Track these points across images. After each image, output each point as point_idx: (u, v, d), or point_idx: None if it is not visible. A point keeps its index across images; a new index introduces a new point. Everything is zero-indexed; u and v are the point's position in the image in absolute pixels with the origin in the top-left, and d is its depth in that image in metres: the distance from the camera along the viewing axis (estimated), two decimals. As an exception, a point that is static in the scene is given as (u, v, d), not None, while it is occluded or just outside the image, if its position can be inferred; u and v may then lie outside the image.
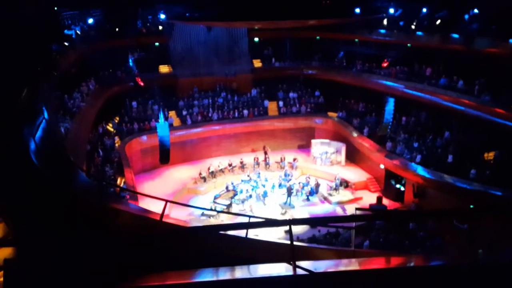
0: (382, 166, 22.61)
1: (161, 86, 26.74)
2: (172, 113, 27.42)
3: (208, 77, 29.09)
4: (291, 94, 30.09)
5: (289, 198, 21.25)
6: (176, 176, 24.42)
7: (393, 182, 22.20)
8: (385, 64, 25.59)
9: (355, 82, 26.98)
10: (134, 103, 26.76)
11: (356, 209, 6.95)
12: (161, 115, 18.77)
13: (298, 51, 30.60)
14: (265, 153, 26.55)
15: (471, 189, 16.90)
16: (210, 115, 27.58)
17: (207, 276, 3.38)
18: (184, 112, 27.30)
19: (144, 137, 24.86)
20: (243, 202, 21.09)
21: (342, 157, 25.69)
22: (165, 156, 18.69)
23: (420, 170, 19.49)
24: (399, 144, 21.98)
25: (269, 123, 28.53)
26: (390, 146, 22.28)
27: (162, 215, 5.97)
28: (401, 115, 23.96)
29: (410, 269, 3.23)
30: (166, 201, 6.46)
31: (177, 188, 22.72)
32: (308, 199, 21.98)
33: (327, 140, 26.62)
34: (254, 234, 6.99)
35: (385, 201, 21.05)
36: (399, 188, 21.70)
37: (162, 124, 18.28)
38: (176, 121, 27.02)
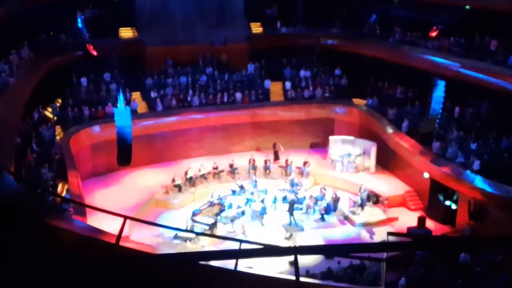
0: (426, 175, 22.67)
1: (122, 57, 26.68)
2: (137, 95, 27.42)
3: (188, 45, 29.06)
4: (302, 73, 30.16)
5: (292, 217, 21.29)
6: (141, 183, 24.45)
7: (441, 198, 22.26)
8: (434, 34, 25.64)
9: (392, 58, 27.03)
10: (83, 80, 26.74)
11: (389, 233, 6.98)
12: (121, 98, 18.72)
13: (313, 12, 30.63)
14: (276, 153, 26.59)
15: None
16: (189, 99, 27.60)
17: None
18: (153, 94, 27.30)
19: (97, 128, 24.85)
20: (232, 221, 21.13)
21: (371, 161, 25.78)
22: (125, 154, 18.64)
23: (479, 182, 19.58)
24: (450, 144, 22.06)
25: (271, 112, 28.65)
26: (438, 147, 22.36)
27: (119, 236, 5.95)
28: (454, 105, 24.04)
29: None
30: (125, 217, 6.44)
31: (141, 199, 22.74)
32: (322, 219, 22.06)
33: (351, 138, 26.68)
34: (247, 265, 6.99)
35: (430, 223, 21.16)
36: (449, 206, 21.78)
37: (122, 110, 18.24)
38: (141, 107, 27.05)
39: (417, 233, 20.08)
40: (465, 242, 5.63)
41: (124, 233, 6.02)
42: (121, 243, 5.90)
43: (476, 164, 20.28)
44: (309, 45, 30.73)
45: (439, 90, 21.22)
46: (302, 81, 29.82)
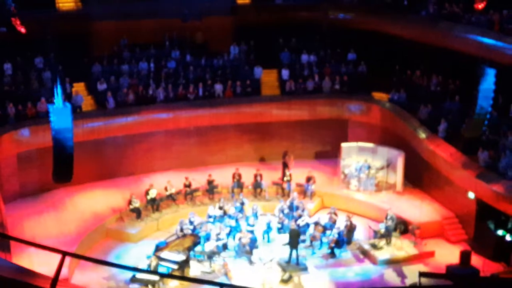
0: (471, 195, 22.75)
1: (60, 36, 26.56)
2: (80, 87, 27.36)
3: (149, 20, 29.12)
4: (304, 57, 30.28)
5: (295, 251, 21.32)
6: (85, 206, 24.34)
7: (491, 226, 22.33)
8: (480, 6, 25.85)
9: (424, 38, 27.23)
10: (7, 67, 26.63)
11: (422, 274, 7.00)
12: (59, 91, 18.60)
13: (319, -24, 30.98)
14: (285, 165, 26.58)
15: None
16: (151, 92, 27.58)
17: None
18: (103, 86, 27.25)
19: (25, 132, 24.77)
20: (210, 257, 21.08)
21: (397, 176, 25.88)
22: (64, 167, 18.52)
23: (542, 204, 19.73)
24: (503, 154, 22.21)
25: (263, 110, 28.76)
26: (487, 157, 22.50)
27: (55, 280, 5.90)
28: (508, 101, 24.21)
29: None
30: (64, 253, 6.38)
31: (86, 229, 22.63)
32: (332, 254, 22.07)
33: (371, 145, 26.78)
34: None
35: (476, 260, 21.24)
36: (503, 237, 21.87)
37: (59, 107, 18.15)
38: (87, 103, 27.00)
39: (460, 273, 20.13)
40: (524, 285, 5.66)
41: (62, 275, 5.96)
42: (59, 289, 5.84)
43: (538, 181, 20.44)
44: (313, 20, 30.87)
45: (488, 82, 21.35)
46: (305, 68, 29.91)
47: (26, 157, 24.79)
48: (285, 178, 26.00)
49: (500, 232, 22.00)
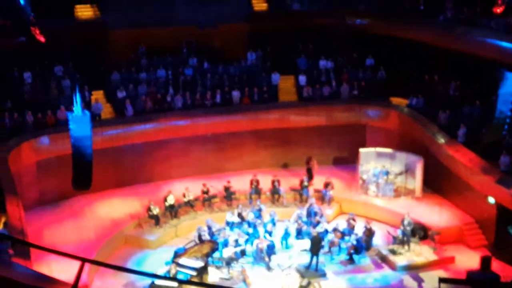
0: (491, 201, 22.55)
1: (79, 44, 26.79)
2: (99, 95, 27.55)
3: (166, 28, 29.29)
4: (322, 63, 30.24)
5: (315, 257, 21.27)
6: (104, 213, 24.46)
7: (511, 231, 22.14)
8: (499, 10, 25.69)
9: (442, 43, 27.12)
10: (26, 75, 26.89)
11: (441, 280, 6.95)
12: (78, 99, 18.72)
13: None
14: (309, 171, 26.61)
15: None
16: (169, 99, 27.68)
17: None
18: (121, 94, 27.42)
19: (45, 140, 24.94)
20: (229, 264, 21.08)
21: (416, 182, 25.74)
22: (83, 175, 18.63)
23: None
24: (523, 158, 22.04)
25: (280, 116, 28.76)
26: (508, 162, 22.33)
27: (75, 286, 5.94)
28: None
29: None
30: (84, 260, 6.42)
31: (105, 236, 22.73)
32: (351, 260, 21.98)
33: (389, 150, 26.65)
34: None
35: (497, 266, 21.06)
36: (524, 242, 21.69)
37: (79, 115, 18.27)
38: (106, 110, 27.18)
39: (480, 279, 19.96)
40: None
41: (82, 282, 6.02)
42: (78, 296, 5.87)
43: (559, 185, 20.24)
44: (331, 26, 30.84)
45: (508, 86, 21.25)
46: (322, 74, 29.87)
47: (46, 165, 24.96)
48: (313, 181, 26.16)
49: (521, 238, 21.85)
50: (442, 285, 6.92)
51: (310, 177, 26.61)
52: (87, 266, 6.53)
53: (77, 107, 17.51)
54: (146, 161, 27.34)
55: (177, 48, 29.71)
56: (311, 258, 21.23)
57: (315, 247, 21.23)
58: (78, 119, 17.32)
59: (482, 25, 26.25)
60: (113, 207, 24.86)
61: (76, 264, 6.25)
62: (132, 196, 25.79)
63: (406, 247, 22.29)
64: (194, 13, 29.20)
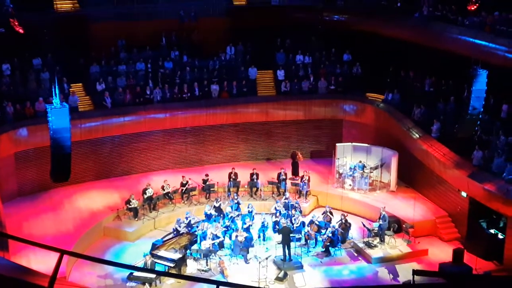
0: (464, 194, 22.81)
1: (58, 37, 26.53)
2: (78, 87, 27.32)
3: (146, 21, 29.15)
4: (300, 58, 30.29)
5: (287, 249, 21.34)
6: (83, 205, 24.34)
7: (483, 224, 22.40)
8: (473, 7, 25.91)
9: (418, 39, 27.28)
10: (5, 67, 26.55)
11: (415, 272, 6.99)
12: (57, 91, 18.57)
13: (314, -22, 31.00)
14: (295, 165, 26.67)
15: None
16: (148, 92, 27.57)
17: None
18: (100, 86, 27.23)
19: (23, 131, 24.72)
20: (207, 256, 21.09)
21: (391, 176, 25.95)
22: (61, 167, 18.49)
23: (533, 203, 19.78)
24: (496, 154, 22.28)
25: (259, 110, 28.82)
26: (480, 157, 22.57)
27: (53, 278, 5.90)
28: (500, 102, 24.27)
29: None
30: (62, 252, 6.38)
31: (83, 227, 22.61)
32: (327, 253, 22.11)
33: (365, 145, 26.81)
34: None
35: (469, 258, 21.29)
36: (495, 235, 21.95)
37: (57, 107, 18.12)
38: (85, 103, 26.95)
39: (453, 272, 20.18)
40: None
41: (60, 273, 5.96)
42: (56, 287, 5.84)
43: (530, 180, 20.49)
44: (309, 21, 30.88)
45: (481, 82, 21.41)
46: (300, 69, 29.91)
47: (24, 156, 24.81)
48: (298, 177, 26.30)
49: (492, 231, 22.09)
50: (416, 277, 6.96)
51: (296, 172, 26.66)
52: (65, 257, 6.50)
53: (56, 99, 17.38)
54: (125, 154, 27.26)
55: (157, 41, 29.55)
56: (283, 249, 21.33)
57: (285, 238, 21.34)
58: (56, 111, 17.19)
59: (457, 23, 26.46)
60: (92, 199, 24.75)
61: (55, 255, 6.22)
62: (110, 188, 25.70)
63: (380, 240, 22.46)
64: (174, 7, 29.07)
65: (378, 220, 22.66)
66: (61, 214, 23.59)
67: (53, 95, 17.74)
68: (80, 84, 27.47)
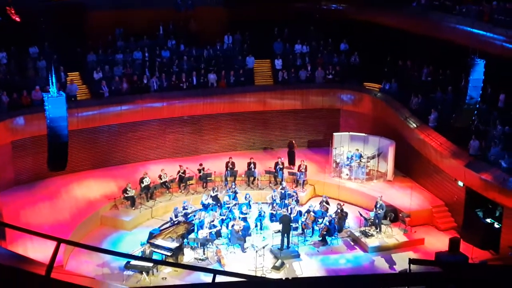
0: (460, 184, 22.89)
1: (55, 25, 26.41)
2: (75, 76, 27.27)
3: (144, 10, 29.07)
4: (297, 47, 30.26)
5: (285, 238, 21.41)
6: (80, 194, 24.36)
7: (479, 214, 22.49)
8: (470, -3, 25.89)
9: (415, 28, 27.24)
10: (1, 55, 26.47)
11: (411, 261, 7.02)
12: (53, 79, 18.51)
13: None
14: (291, 154, 26.72)
15: None
16: (145, 81, 27.52)
17: None
18: (97, 75, 27.18)
19: (20, 120, 24.69)
20: (204, 245, 21.14)
21: (388, 165, 26.00)
22: (58, 156, 18.46)
23: (529, 193, 19.84)
24: (493, 143, 22.32)
25: (256, 99, 28.81)
26: (477, 147, 22.62)
27: (50, 266, 5.91)
28: (497, 91, 24.29)
29: None
30: (59, 240, 6.39)
31: (80, 216, 22.64)
32: (324, 242, 22.18)
33: (362, 134, 26.86)
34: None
35: (465, 247, 21.39)
36: (491, 225, 22.05)
37: (54, 96, 18.07)
38: (82, 91, 26.90)
39: (449, 261, 20.27)
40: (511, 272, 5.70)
41: (57, 262, 5.97)
42: (54, 275, 5.85)
43: (526, 170, 20.54)
44: (306, 10, 30.84)
45: (478, 72, 21.40)
46: (297, 58, 29.88)
47: (21, 145, 24.78)
48: (294, 166, 26.35)
49: (488, 220, 22.16)
50: (412, 266, 6.99)
51: (292, 162, 26.72)
52: (62, 246, 6.51)
53: (53, 88, 17.34)
54: (122, 143, 27.25)
55: (154, 30, 29.49)
56: (282, 237, 21.40)
57: (285, 226, 21.40)
58: (53, 100, 17.14)
59: (455, 12, 26.41)
60: (89, 188, 24.77)
61: (52, 244, 6.23)
62: (107, 177, 25.70)
63: (377, 229, 22.53)
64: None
65: (374, 209, 22.72)
66: (58, 203, 23.59)
67: (50, 83, 17.69)
68: (77, 72, 27.41)
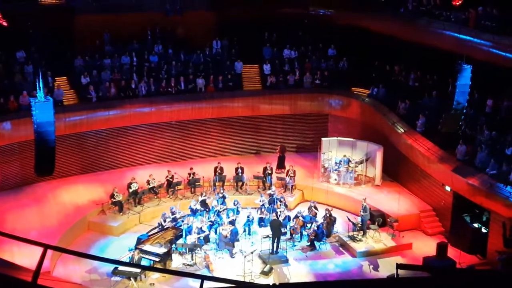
0: (448, 189, 23.00)
1: (42, 29, 26.34)
2: (63, 81, 27.14)
3: (132, 14, 29.02)
4: (286, 52, 30.29)
5: (275, 243, 21.41)
6: (67, 199, 24.23)
7: (467, 219, 22.59)
8: (458, 2, 26.03)
9: (403, 34, 27.34)
10: (-12, 60, 26.36)
11: (399, 266, 7.03)
12: (41, 84, 18.44)
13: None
14: (281, 159, 26.69)
15: None
16: (133, 86, 27.45)
17: None
18: (85, 80, 27.08)
19: (7, 125, 24.52)
20: (192, 250, 21.08)
21: (376, 170, 26.08)
22: (45, 161, 18.39)
23: (516, 197, 19.95)
24: (479, 148, 22.44)
25: (244, 104, 28.81)
26: (464, 152, 22.73)
27: (37, 272, 5.87)
28: (484, 97, 24.44)
29: None
30: (46, 246, 6.35)
31: (68, 222, 22.51)
32: (312, 247, 22.18)
33: (350, 139, 26.92)
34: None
35: (452, 252, 21.47)
36: (478, 229, 22.15)
37: (41, 101, 18.00)
38: (69, 96, 26.79)
39: (436, 265, 20.34)
40: (499, 277, 5.72)
41: (44, 268, 5.93)
42: (40, 281, 5.81)
43: (513, 174, 20.66)
44: (295, 15, 30.88)
45: (465, 77, 21.55)
46: (286, 63, 29.91)
47: (8, 150, 24.61)
48: (283, 170, 26.35)
49: (475, 225, 22.25)
50: (400, 270, 7.00)
51: (282, 166, 26.73)
52: (49, 252, 6.47)
53: (40, 93, 17.27)
54: (110, 148, 27.16)
55: (143, 35, 29.43)
56: (272, 242, 21.38)
57: (275, 231, 21.40)
58: (41, 105, 17.08)
59: (442, 18, 26.56)
60: (77, 193, 24.64)
61: (39, 250, 6.18)
62: (95, 182, 25.59)
63: (363, 232, 22.55)
64: (160, 0, 28.97)
65: (361, 213, 22.75)
66: (45, 208, 23.45)
67: (37, 88, 17.62)
68: (65, 77, 27.30)
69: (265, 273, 20.31)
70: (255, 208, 23.82)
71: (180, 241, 21.37)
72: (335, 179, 26.03)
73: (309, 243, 22.21)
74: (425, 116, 25.12)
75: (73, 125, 25.76)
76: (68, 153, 25.70)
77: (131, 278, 19.22)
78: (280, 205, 23.45)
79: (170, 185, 24.95)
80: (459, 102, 21.63)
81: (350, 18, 29.66)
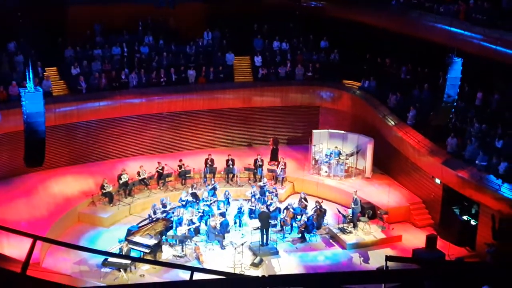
0: (438, 181, 23.11)
1: (33, 20, 26.15)
2: (52, 71, 27.02)
3: (123, 4, 28.93)
4: (277, 44, 30.27)
5: (264, 235, 21.46)
6: (57, 190, 24.18)
7: (456, 211, 22.72)
8: (449, -4, 26.09)
9: (394, 27, 27.42)
10: (-23, 50, 26.20)
11: (388, 258, 7.06)
12: (31, 75, 18.33)
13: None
14: (274, 152, 26.75)
15: None
16: (124, 77, 27.37)
17: None
18: (75, 71, 26.96)
19: (-3, 115, 24.42)
20: (182, 242, 21.11)
21: (366, 162, 26.16)
22: (35, 152, 18.30)
23: (506, 190, 20.07)
24: (469, 141, 22.55)
25: (235, 96, 28.80)
26: (454, 144, 22.83)
27: (26, 263, 5.87)
28: (474, 90, 24.55)
29: None
30: (35, 237, 6.35)
31: (58, 212, 22.47)
32: (303, 239, 22.26)
33: (341, 131, 26.97)
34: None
35: (442, 244, 21.60)
36: (467, 222, 22.28)
37: (31, 91, 17.90)
38: (59, 87, 26.68)
39: (426, 257, 20.43)
40: (487, 269, 5.76)
41: (33, 259, 5.93)
42: (30, 272, 5.82)
43: (502, 167, 20.73)
44: (286, 7, 30.87)
45: (455, 70, 21.59)
46: (277, 55, 29.91)
47: (-3, 141, 24.52)
48: (276, 163, 26.27)
49: (465, 217, 22.39)
50: (389, 262, 7.02)
51: (275, 158, 26.74)
52: (39, 243, 6.47)
53: (30, 83, 17.17)
54: (100, 139, 27.08)
55: (134, 26, 29.34)
56: (262, 234, 21.43)
57: (264, 222, 21.44)
58: (30, 95, 16.99)
59: (433, 11, 26.60)
60: (66, 185, 24.59)
61: (28, 241, 6.18)
62: (85, 173, 25.53)
63: (353, 224, 22.63)
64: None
65: (352, 206, 22.84)
66: (35, 199, 23.40)
67: (27, 79, 17.52)
68: (55, 68, 27.18)
69: (255, 265, 20.38)
70: (246, 200, 23.86)
71: (170, 232, 21.41)
72: (326, 171, 26.10)
73: (299, 235, 22.28)
74: (415, 108, 25.21)
75: (63, 116, 25.66)
76: (58, 144, 25.62)
77: (121, 270, 19.27)
78: (272, 197, 23.50)
79: (161, 176, 24.95)
80: (450, 95, 21.66)
81: (341, 11, 29.69)
